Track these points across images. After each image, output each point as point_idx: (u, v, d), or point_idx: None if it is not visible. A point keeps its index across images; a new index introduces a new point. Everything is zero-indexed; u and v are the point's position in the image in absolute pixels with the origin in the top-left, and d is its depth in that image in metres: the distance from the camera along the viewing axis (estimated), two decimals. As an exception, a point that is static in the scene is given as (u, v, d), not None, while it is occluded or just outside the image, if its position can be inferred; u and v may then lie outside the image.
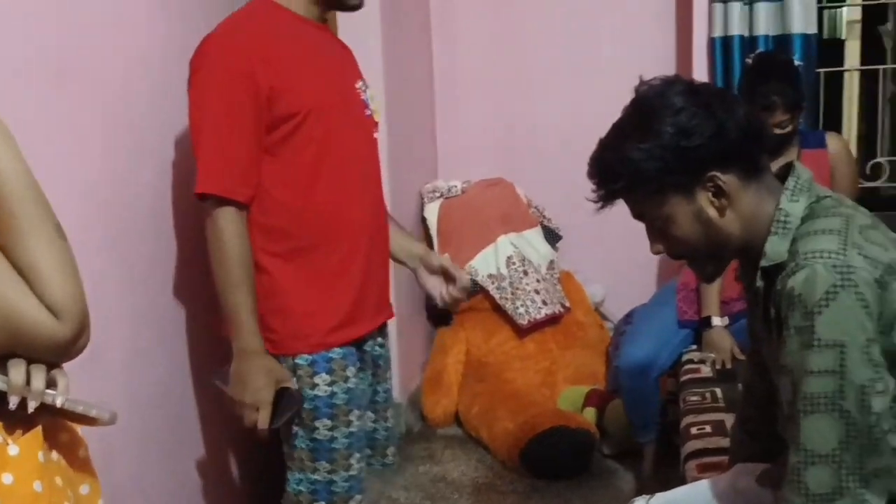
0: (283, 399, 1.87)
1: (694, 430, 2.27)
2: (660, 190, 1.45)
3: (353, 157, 1.99)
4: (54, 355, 1.12)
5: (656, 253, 1.56)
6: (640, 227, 3.19)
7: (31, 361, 1.13)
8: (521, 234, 3.71)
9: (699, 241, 1.49)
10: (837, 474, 1.31)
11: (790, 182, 1.47)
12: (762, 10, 3.21)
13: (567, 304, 3.68)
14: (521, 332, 3.64)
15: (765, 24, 3.22)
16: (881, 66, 3.42)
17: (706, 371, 2.68)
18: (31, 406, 1.11)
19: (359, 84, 2.05)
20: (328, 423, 1.96)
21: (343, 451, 1.97)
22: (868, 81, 3.41)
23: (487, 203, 3.76)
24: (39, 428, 1.15)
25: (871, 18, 3.44)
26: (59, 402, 1.14)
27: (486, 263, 3.65)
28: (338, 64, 2.04)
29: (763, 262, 1.43)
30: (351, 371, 1.99)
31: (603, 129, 1.53)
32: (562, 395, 3.52)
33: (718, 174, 1.44)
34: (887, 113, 3.43)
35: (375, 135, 2.09)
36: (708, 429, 2.26)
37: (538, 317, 3.57)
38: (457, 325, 3.78)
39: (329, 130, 1.93)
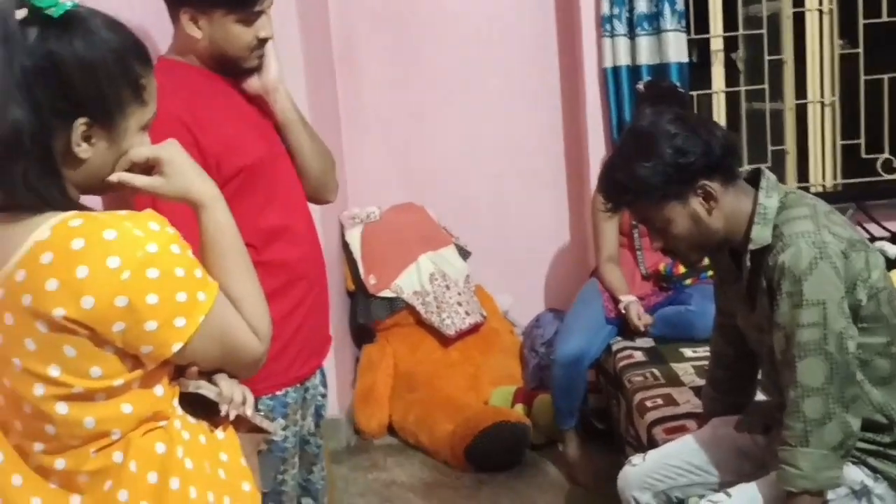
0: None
1: (649, 404, 2.65)
2: (663, 198, 1.82)
3: (292, 198, 2.00)
4: (250, 370, 1.35)
5: (657, 249, 1.93)
6: (537, 243, 3.76)
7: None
8: (438, 252, 4.01)
9: (691, 237, 1.87)
10: (826, 403, 1.71)
11: (763, 183, 1.87)
12: (643, 42, 3.68)
13: (485, 314, 4.01)
14: (444, 342, 3.94)
15: (646, 55, 3.69)
16: (739, 88, 3.98)
17: (639, 356, 3.07)
18: (232, 415, 1.33)
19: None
20: (280, 467, 1.99)
21: (290, 493, 2.03)
22: (731, 100, 3.97)
23: (406, 226, 4.05)
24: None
25: (730, 47, 3.98)
26: (249, 414, 1.36)
27: (410, 282, 3.93)
28: (256, 108, 1.98)
29: (751, 247, 1.82)
30: (300, 414, 2.02)
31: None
32: (493, 394, 3.84)
33: (707, 182, 1.82)
34: (747, 127, 3.99)
35: None
36: (660, 401, 2.65)
37: (463, 327, 3.88)
38: (382, 342, 4.03)
39: (268, 179, 1.91)
